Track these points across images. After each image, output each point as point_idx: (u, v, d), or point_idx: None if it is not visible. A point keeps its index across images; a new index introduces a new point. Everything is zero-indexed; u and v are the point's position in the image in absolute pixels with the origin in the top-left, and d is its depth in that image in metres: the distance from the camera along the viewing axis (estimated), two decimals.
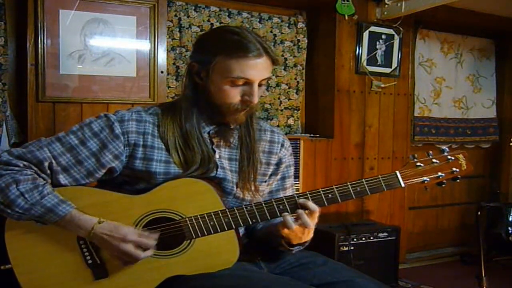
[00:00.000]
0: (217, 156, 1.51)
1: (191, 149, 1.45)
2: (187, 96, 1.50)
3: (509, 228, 3.63)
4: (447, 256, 4.08)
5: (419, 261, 3.91)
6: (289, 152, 1.68)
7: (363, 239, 3.05)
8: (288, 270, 1.53)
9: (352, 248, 2.99)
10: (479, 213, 3.08)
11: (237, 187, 1.53)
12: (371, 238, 3.08)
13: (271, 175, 1.64)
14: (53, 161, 1.39)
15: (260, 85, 1.45)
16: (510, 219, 3.64)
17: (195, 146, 1.46)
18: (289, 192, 1.68)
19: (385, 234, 3.13)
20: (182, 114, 1.47)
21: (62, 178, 1.41)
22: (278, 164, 1.65)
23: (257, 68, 1.41)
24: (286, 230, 1.42)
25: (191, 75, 1.49)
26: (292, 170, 1.71)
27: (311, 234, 1.48)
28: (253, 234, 1.65)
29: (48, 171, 1.40)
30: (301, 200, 1.40)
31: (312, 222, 1.40)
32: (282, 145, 1.66)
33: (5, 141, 2.55)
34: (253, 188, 1.54)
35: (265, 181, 1.63)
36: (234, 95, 1.43)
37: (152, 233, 1.38)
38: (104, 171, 1.44)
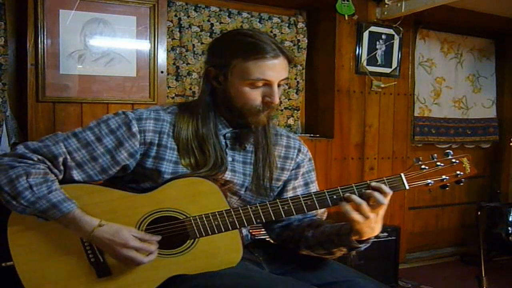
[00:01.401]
0: (230, 159, 1.51)
1: (204, 153, 1.45)
2: (205, 101, 1.49)
3: (509, 228, 3.63)
4: (447, 256, 4.08)
5: (419, 261, 3.92)
6: (307, 157, 1.66)
7: None
8: (289, 270, 1.53)
9: None
10: (479, 213, 3.07)
11: (246, 190, 1.53)
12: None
13: (288, 180, 1.62)
14: (68, 157, 1.39)
15: (279, 85, 1.45)
16: (510, 219, 3.65)
17: (210, 150, 1.45)
18: None
19: (385, 234, 3.13)
20: (199, 119, 1.47)
21: (76, 174, 1.41)
22: (296, 169, 1.63)
23: (276, 69, 1.41)
24: (361, 220, 1.37)
25: (209, 80, 1.49)
26: (314, 175, 1.68)
27: (380, 226, 1.45)
28: (301, 242, 1.55)
29: (61, 167, 1.40)
30: (355, 194, 1.37)
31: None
32: (299, 150, 1.64)
33: (5, 141, 2.55)
34: (265, 192, 1.54)
35: (278, 186, 1.61)
36: (255, 97, 1.43)
37: (153, 236, 1.38)
38: (118, 168, 1.44)
